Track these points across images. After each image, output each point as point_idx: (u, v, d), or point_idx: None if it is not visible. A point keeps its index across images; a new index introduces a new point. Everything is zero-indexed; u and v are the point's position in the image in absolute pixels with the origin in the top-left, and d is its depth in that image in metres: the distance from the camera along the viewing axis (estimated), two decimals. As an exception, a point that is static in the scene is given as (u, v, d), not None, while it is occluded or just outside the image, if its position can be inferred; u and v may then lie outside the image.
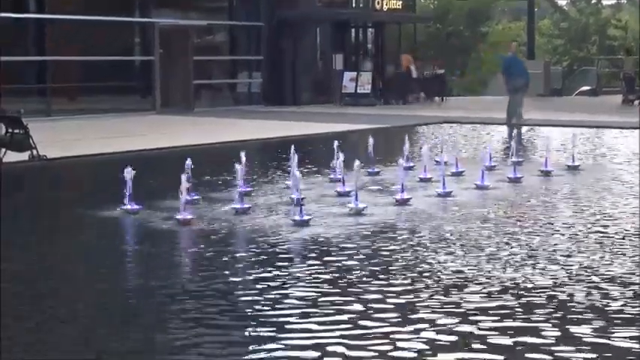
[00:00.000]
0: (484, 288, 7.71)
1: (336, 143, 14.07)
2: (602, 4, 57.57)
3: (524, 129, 22.40)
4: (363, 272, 8.31)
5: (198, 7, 33.54)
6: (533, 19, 44.48)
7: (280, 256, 9.06)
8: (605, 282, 7.90)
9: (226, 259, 9.01)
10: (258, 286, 7.80)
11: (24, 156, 16.43)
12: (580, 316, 6.92)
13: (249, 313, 7.08)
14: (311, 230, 10.22)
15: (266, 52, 34.19)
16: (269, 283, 7.93)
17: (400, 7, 38.50)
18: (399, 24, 39.84)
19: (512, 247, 9.34)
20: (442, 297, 7.45)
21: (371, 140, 15.14)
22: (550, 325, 6.68)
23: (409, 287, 7.81)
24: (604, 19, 56.48)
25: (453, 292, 7.56)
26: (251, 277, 8.20)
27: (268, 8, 34.19)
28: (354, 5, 37.19)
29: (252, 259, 8.92)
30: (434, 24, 50.58)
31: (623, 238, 9.75)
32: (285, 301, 7.41)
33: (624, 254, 8.97)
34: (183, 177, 10.87)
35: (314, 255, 9.09)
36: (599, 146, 19.31)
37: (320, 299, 7.43)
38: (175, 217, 10.72)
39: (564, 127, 21.75)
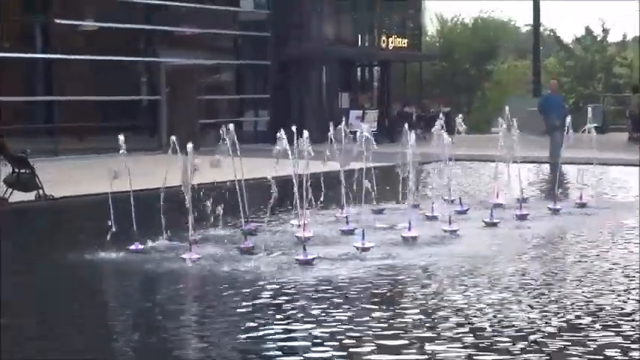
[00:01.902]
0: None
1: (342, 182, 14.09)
2: (608, 41, 57.68)
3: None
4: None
5: (204, 47, 33.69)
6: (538, 56, 44.56)
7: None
8: None
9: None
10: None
11: (30, 196, 16.47)
12: None
13: None
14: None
15: (272, 90, 34.34)
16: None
17: (406, 45, 38.68)
18: (405, 62, 40.01)
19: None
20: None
21: (370, 179, 15.14)
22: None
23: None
24: (609, 57, 56.57)
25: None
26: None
27: (275, 47, 34.36)
28: (359, 44, 37.41)
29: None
30: (439, 62, 50.71)
31: None
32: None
33: None
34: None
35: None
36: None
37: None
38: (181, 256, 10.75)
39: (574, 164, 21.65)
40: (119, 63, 28.97)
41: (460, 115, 15.99)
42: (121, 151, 11.92)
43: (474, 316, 8.03)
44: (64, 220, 10.66)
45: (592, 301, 8.59)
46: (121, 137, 11.95)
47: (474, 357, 6.85)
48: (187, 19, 32.70)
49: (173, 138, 12.06)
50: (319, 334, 7.48)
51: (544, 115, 23.23)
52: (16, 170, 16.72)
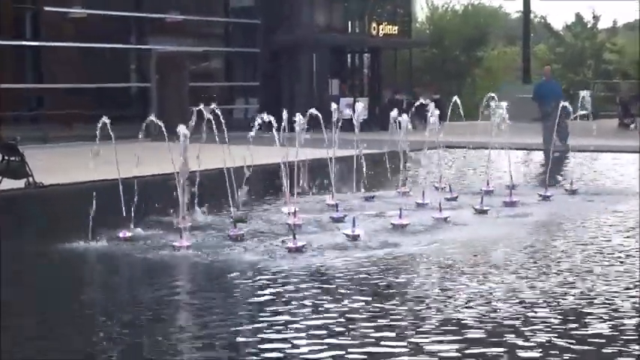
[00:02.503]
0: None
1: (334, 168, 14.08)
2: (598, 28, 57.73)
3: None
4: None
5: (194, 34, 33.62)
6: (528, 43, 44.63)
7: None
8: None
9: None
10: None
11: (20, 183, 16.43)
12: None
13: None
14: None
15: (262, 78, 34.30)
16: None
17: (396, 32, 38.64)
18: (395, 50, 39.98)
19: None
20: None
21: (365, 165, 15.14)
22: None
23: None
24: (599, 44, 56.64)
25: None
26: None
27: (265, 34, 34.31)
28: (350, 31, 37.36)
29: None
30: (429, 49, 50.69)
31: None
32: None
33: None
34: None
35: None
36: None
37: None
38: (172, 244, 10.74)
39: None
40: (109, 50, 28.91)
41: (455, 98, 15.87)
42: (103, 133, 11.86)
43: (456, 309, 8.01)
44: (54, 208, 10.62)
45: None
46: (105, 120, 11.93)
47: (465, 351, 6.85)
48: (177, 6, 32.62)
49: (152, 119, 12.07)
50: (308, 325, 7.46)
51: (539, 101, 23.07)
52: (6, 158, 16.67)
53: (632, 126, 32.87)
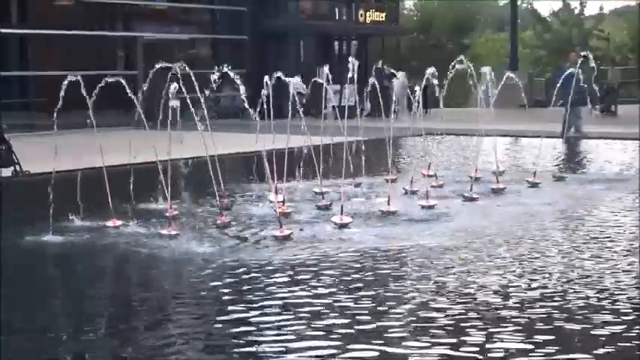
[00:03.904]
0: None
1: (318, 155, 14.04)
2: (585, 14, 57.76)
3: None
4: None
5: (181, 21, 33.53)
6: (516, 30, 44.64)
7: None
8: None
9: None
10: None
11: (7, 172, 16.34)
12: None
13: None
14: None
15: (249, 65, 34.22)
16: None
17: (383, 19, 38.60)
18: (382, 37, 39.93)
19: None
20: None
21: (351, 152, 15.08)
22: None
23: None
24: (587, 30, 56.68)
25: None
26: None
27: (252, 21, 34.23)
28: (337, 18, 37.30)
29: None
30: (417, 35, 50.70)
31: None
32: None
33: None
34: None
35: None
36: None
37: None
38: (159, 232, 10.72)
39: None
40: (95, 37, 28.80)
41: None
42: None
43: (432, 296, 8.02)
44: (41, 196, 10.61)
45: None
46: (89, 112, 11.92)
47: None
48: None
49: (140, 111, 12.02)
50: (294, 317, 7.45)
51: (565, 89, 21.57)
52: (-8, 146, 16.59)
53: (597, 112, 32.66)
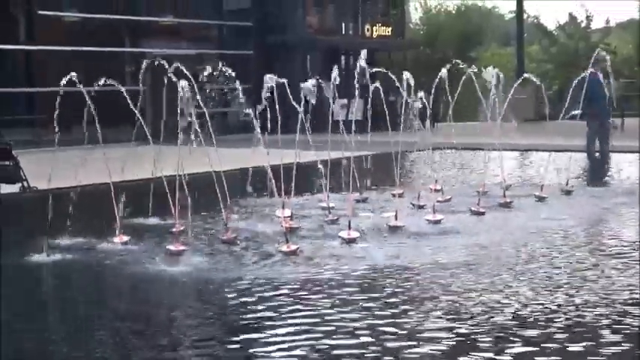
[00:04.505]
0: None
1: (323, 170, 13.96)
2: (591, 28, 57.71)
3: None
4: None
5: (187, 37, 33.58)
6: (522, 44, 44.59)
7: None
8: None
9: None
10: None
11: (15, 188, 16.33)
12: None
13: None
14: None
15: (255, 80, 34.22)
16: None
17: (389, 33, 38.62)
18: (389, 51, 39.94)
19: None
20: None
21: (358, 167, 15.01)
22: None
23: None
24: (593, 44, 56.59)
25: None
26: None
27: (258, 36, 34.26)
28: (343, 32, 37.33)
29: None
30: (423, 50, 50.69)
31: None
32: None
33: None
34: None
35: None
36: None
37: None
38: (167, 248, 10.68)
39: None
40: (101, 53, 28.84)
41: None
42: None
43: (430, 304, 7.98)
44: (51, 212, 10.61)
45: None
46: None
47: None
48: (170, 8, 32.56)
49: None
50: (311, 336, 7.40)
51: (595, 101, 19.78)
52: (-1, 162, 16.60)
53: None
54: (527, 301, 8.09)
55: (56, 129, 11.70)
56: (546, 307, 7.82)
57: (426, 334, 7.06)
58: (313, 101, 13.23)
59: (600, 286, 8.61)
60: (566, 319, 7.48)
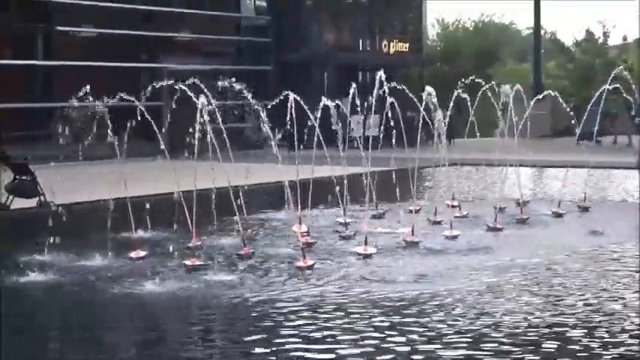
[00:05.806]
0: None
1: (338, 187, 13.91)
2: (609, 44, 57.54)
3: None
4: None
5: (206, 53, 33.65)
6: (539, 58, 44.52)
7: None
8: None
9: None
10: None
11: (32, 202, 16.37)
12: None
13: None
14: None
15: (273, 95, 34.27)
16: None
17: (407, 49, 38.63)
18: (407, 68, 39.92)
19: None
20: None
21: (374, 182, 14.97)
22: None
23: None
24: (610, 60, 56.44)
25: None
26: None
27: (276, 52, 34.33)
28: (361, 48, 37.35)
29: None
30: (440, 66, 50.67)
31: None
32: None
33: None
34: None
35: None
36: None
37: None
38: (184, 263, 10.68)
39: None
40: (120, 69, 28.94)
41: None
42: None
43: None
44: (66, 228, 10.62)
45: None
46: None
47: None
48: (188, 24, 32.68)
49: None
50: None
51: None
52: (17, 177, 16.64)
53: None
54: None
55: (75, 144, 11.73)
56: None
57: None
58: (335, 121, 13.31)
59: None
60: None
